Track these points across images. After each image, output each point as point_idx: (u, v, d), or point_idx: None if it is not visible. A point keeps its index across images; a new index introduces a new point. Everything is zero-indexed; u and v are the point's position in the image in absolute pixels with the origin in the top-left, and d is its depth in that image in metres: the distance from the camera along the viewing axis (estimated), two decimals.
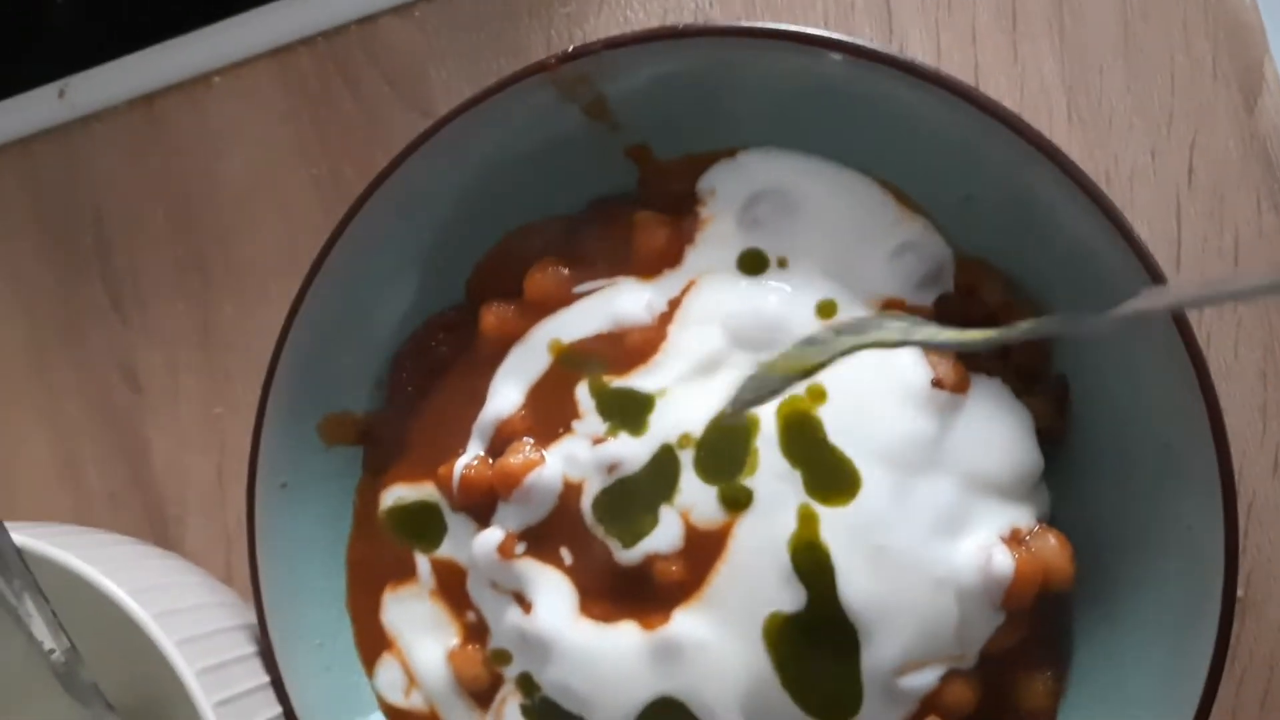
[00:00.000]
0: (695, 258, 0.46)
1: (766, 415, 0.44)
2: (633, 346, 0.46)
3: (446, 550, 0.49)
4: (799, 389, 0.44)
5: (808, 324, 0.45)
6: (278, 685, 0.47)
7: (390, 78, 0.58)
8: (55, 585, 0.47)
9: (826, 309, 0.45)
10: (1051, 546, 0.43)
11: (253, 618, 0.49)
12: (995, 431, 0.44)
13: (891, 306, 0.45)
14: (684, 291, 0.46)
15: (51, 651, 0.48)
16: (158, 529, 0.60)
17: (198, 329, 0.60)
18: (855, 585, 0.42)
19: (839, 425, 0.43)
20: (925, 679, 0.43)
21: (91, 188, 0.62)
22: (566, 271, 0.48)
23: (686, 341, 0.45)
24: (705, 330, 0.45)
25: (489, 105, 0.45)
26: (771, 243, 0.46)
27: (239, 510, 0.59)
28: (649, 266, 0.47)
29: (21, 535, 0.45)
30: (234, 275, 0.60)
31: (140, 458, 0.61)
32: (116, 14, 0.62)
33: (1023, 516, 0.44)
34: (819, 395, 0.44)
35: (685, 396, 0.45)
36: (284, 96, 0.59)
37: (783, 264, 0.46)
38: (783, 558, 0.43)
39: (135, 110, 0.61)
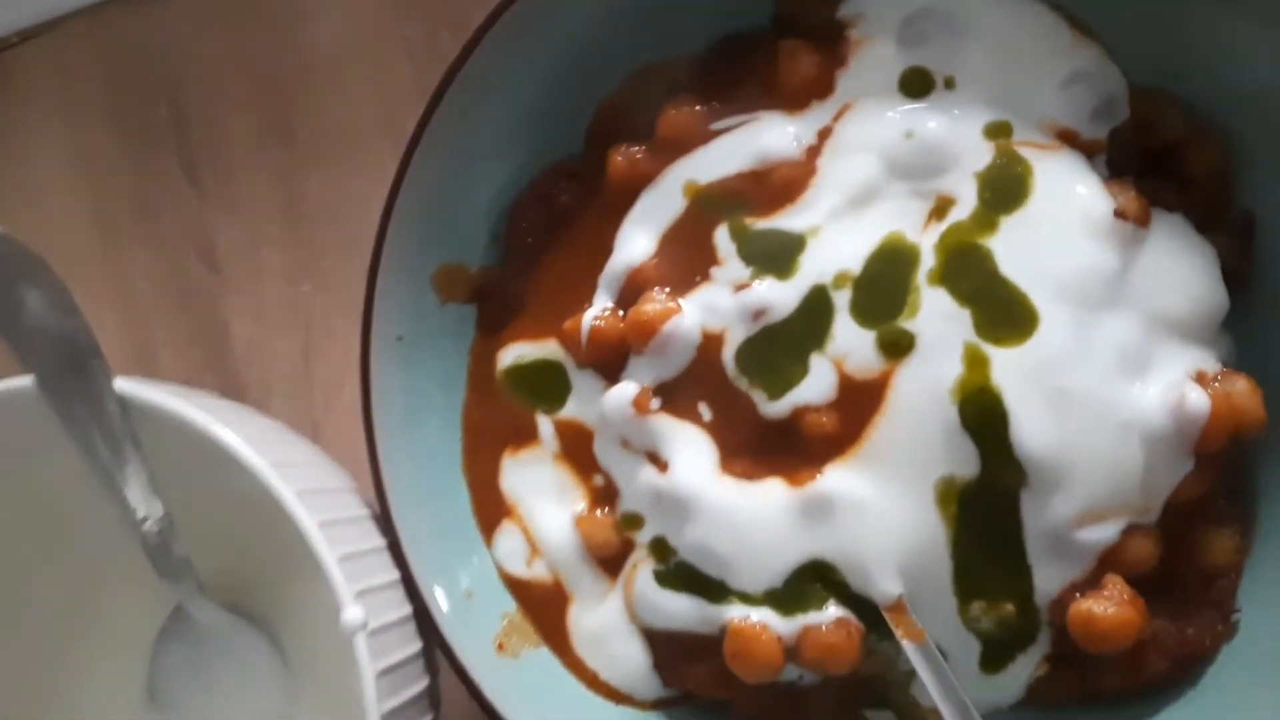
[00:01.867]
0: (849, 82, 0.43)
1: (927, 247, 0.41)
2: (779, 184, 0.43)
3: (571, 410, 0.46)
4: (963, 214, 0.40)
5: (975, 148, 0.41)
6: (394, 549, 0.44)
7: None
8: (154, 446, 0.44)
9: (997, 131, 0.41)
10: (1241, 389, 0.40)
11: (356, 484, 0.46)
12: (1179, 268, 0.40)
13: (1065, 136, 0.42)
14: (835, 119, 0.43)
15: (144, 520, 0.45)
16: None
17: (281, 202, 0.57)
18: (1032, 431, 0.39)
19: (1012, 258, 0.40)
20: (1105, 532, 0.40)
21: (169, 56, 0.59)
22: (702, 108, 0.45)
23: (838, 172, 0.42)
24: (859, 159, 0.42)
25: None
26: (937, 61, 0.42)
27: (325, 394, 0.56)
28: (796, 98, 0.44)
29: (125, 382, 0.42)
30: (321, 144, 0.57)
31: (219, 340, 0.58)
32: None
33: (1207, 359, 0.41)
34: (988, 224, 0.40)
35: (839, 233, 0.42)
36: None
37: (950, 84, 0.42)
38: (949, 407, 0.40)
39: None
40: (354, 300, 0.56)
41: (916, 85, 0.43)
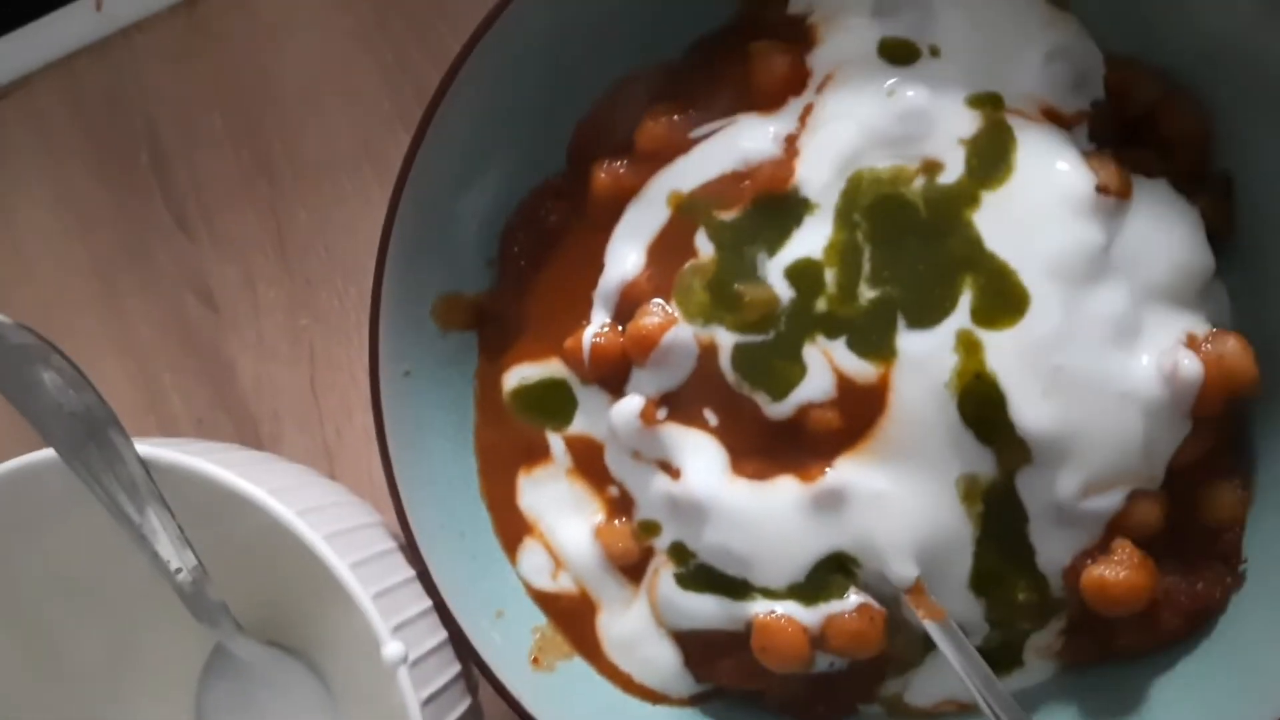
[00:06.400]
0: (825, 56, 0.43)
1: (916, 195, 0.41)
2: (763, 181, 0.43)
3: (580, 426, 0.47)
4: (950, 179, 0.41)
5: (958, 118, 0.41)
6: (424, 578, 0.45)
7: None
8: (179, 499, 0.45)
9: (983, 101, 0.41)
10: (1232, 349, 0.41)
11: (380, 517, 0.47)
12: (1164, 234, 0.41)
13: (1048, 114, 0.42)
14: (819, 91, 0.43)
15: (178, 571, 0.46)
16: (253, 449, 0.58)
17: (271, 238, 0.58)
18: (1032, 410, 0.40)
19: (997, 235, 0.40)
20: (1110, 500, 0.41)
21: (141, 101, 0.59)
22: (679, 117, 0.45)
23: (819, 144, 0.42)
24: (839, 125, 0.42)
25: None
26: (915, 32, 0.42)
27: (336, 422, 0.57)
28: (771, 98, 0.44)
29: (145, 446, 0.43)
30: (303, 177, 0.57)
31: (225, 378, 0.58)
32: None
33: (1197, 322, 0.41)
34: (972, 199, 0.41)
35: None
36: None
37: (935, 53, 0.42)
38: (948, 401, 0.40)
39: (178, 14, 0.58)
40: (352, 329, 0.57)
41: (899, 52, 0.42)
